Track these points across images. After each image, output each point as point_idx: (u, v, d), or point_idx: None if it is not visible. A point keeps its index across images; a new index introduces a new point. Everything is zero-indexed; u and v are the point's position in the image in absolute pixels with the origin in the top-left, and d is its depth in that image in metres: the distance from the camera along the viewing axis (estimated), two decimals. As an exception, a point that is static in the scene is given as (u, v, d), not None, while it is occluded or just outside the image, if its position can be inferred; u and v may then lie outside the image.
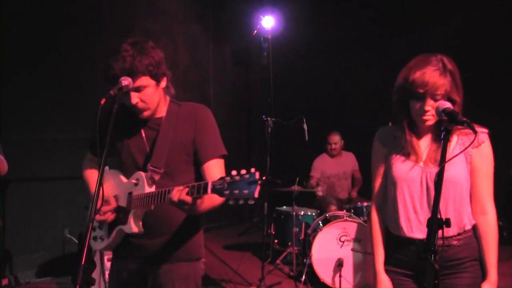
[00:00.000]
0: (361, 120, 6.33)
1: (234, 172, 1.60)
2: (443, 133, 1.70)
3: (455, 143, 1.91)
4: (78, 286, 1.51)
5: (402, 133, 1.97)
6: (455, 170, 1.86)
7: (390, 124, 4.76)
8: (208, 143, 2.08)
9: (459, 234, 1.89)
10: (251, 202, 1.55)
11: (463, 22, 5.82)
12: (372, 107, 6.34)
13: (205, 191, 1.67)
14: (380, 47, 6.44)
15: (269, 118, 4.94)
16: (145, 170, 2.06)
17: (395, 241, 1.98)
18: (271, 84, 5.92)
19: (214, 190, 1.63)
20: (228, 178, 1.60)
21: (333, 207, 5.19)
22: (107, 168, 2.29)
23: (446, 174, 1.80)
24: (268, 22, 5.93)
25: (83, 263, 1.54)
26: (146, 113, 2.04)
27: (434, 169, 1.86)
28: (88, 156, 2.34)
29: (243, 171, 1.59)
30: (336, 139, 5.72)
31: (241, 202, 1.57)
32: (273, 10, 6.07)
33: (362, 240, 4.38)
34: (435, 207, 1.58)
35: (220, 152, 2.09)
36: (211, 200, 1.91)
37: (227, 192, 1.59)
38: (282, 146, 6.46)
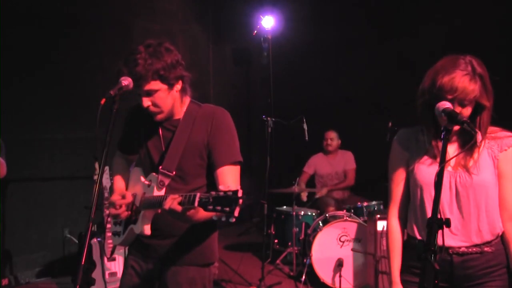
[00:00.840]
0: (361, 120, 6.34)
1: (221, 187, 1.60)
2: (443, 133, 1.68)
3: (483, 147, 1.85)
4: (78, 286, 1.51)
5: (426, 136, 1.89)
6: (486, 174, 1.82)
7: (390, 124, 4.77)
8: (221, 148, 2.03)
9: (491, 241, 1.83)
10: (232, 220, 1.53)
11: (463, 22, 5.82)
12: (371, 107, 6.35)
13: (193, 203, 1.66)
14: (380, 47, 6.44)
15: (269, 118, 4.94)
16: (158, 172, 2.06)
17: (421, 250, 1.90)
18: (271, 84, 5.92)
19: (200, 203, 1.62)
20: (213, 193, 1.58)
21: (332, 208, 5.19)
22: (125, 163, 2.36)
23: (476, 179, 1.80)
24: (268, 22, 5.93)
25: (83, 263, 1.54)
26: (159, 116, 2.03)
27: (464, 174, 1.82)
28: (117, 153, 2.39)
29: (228, 187, 1.58)
30: (332, 135, 5.73)
31: (223, 219, 1.55)
32: (273, 10, 6.07)
33: (362, 240, 4.38)
34: (435, 207, 1.56)
35: (235, 158, 2.03)
36: (204, 212, 1.90)
37: (210, 207, 1.57)
38: (282, 146, 6.46)
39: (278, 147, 6.00)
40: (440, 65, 1.80)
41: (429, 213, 1.74)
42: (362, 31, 6.59)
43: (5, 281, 4.60)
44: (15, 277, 4.71)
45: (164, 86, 1.97)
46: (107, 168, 3.54)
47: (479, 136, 1.63)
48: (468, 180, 1.81)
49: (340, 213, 4.79)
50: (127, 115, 2.24)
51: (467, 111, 1.77)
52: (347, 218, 4.49)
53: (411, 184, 1.93)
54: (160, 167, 2.04)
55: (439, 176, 1.61)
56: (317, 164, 5.78)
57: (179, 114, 2.10)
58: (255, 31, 5.93)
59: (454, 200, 1.83)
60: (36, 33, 4.78)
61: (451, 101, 1.74)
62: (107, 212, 2.13)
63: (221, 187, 1.59)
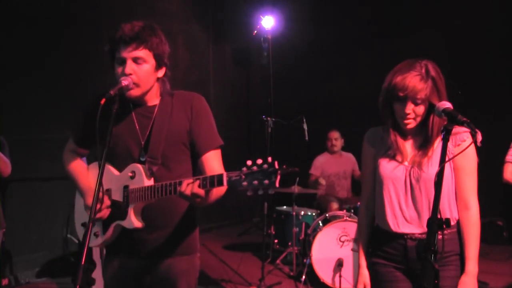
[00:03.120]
0: (361, 120, 6.29)
1: (249, 163, 1.60)
2: (443, 133, 1.71)
3: (438, 143, 2.00)
4: (78, 286, 1.51)
5: (388, 134, 2.06)
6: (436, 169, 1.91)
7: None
8: (205, 134, 2.04)
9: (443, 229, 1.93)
10: (272, 191, 1.57)
11: (463, 22, 5.83)
12: (371, 107, 6.33)
13: (221, 183, 1.67)
14: (380, 47, 6.44)
15: (269, 118, 4.94)
16: (139, 162, 2.00)
17: (384, 236, 2.08)
18: (271, 84, 5.92)
19: (230, 182, 1.63)
20: (245, 169, 1.60)
21: (334, 206, 5.19)
22: (84, 160, 2.26)
23: (427, 174, 1.95)
24: (268, 22, 5.93)
25: (83, 263, 1.54)
26: (132, 92, 1.93)
27: (417, 169, 1.99)
28: (69, 146, 2.26)
29: (260, 161, 1.60)
30: (336, 135, 5.72)
31: (260, 192, 1.58)
32: (273, 10, 6.08)
33: (362, 240, 4.38)
34: (435, 207, 1.59)
35: (218, 142, 2.07)
36: (219, 191, 1.90)
37: (245, 183, 1.59)
38: (282, 146, 6.46)
39: (278, 147, 6.00)
40: (398, 68, 1.98)
41: (386, 205, 2.04)
42: (362, 31, 6.60)
43: (5, 281, 4.60)
44: (15, 277, 4.71)
45: (153, 61, 1.96)
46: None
47: (479, 136, 1.64)
48: (420, 175, 1.98)
49: (340, 213, 4.79)
50: (88, 107, 2.10)
51: (420, 109, 1.93)
52: (347, 218, 4.49)
53: (376, 179, 2.12)
54: (147, 156, 1.99)
55: (439, 176, 1.63)
56: (324, 164, 5.75)
57: (155, 100, 2.06)
58: (255, 31, 5.94)
59: (409, 193, 2.01)
60: (36, 33, 4.78)
61: (403, 98, 1.92)
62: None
63: (248, 162, 1.61)
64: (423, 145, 2.00)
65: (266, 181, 1.56)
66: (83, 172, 2.20)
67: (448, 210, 2.00)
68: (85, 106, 2.14)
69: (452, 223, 1.97)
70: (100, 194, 1.93)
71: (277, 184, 1.55)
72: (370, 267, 2.14)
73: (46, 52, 4.85)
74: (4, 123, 4.32)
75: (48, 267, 4.96)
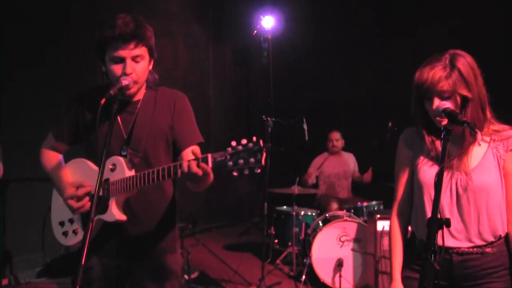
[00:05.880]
0: (361, 120, 6.34)
1: (234, 143, 1.57)
2: (443, 133, 1.67)
3: (487, 147, 1.82)
4: (78, 286, 1.51)
5: (423, 136, 1.88)
6: (487, 177, 1.79)
7: (390, 124, 4.76)
8: (187, 131, 2.05)
9: (493, 242, 1.81)
10: (258, 170, 1.54)
11: (463, 22, 5.82)
12: (371, 108, 6.35)
13: (206, 164, 1.64)
14: (380, 47, 6.44)
15: (269, 118, 4.93)
16: (120, 156, 1.99)
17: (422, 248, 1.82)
18: (271, 84, 5.92)
19: (215, 163, 1.61)
20: (229, 149, 1.57)
21: (334, 206, 5.18)
22: (61, 157, 2.24)
23: (477, 181, 1.77)
24: (268, 22, 5.93)
25: (83, 263, 1.54)
26: (133, 89, 1.94)
27: (464, 177, 1.80)
28: (48, 142, 2.24)
29: (244, 141, 1.56)
30: (337, 136, 5.72)
31: (246, 172, 1.55)
32: (273, 10, 6.07)
33: (362, 240, 4.38)
34: (435, 207, 1.56)
35: (198, 139, 2.07)
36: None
37: (230, 163, 1.56)
38: (282, 146, 6.46)
39: (278, 147, 5.99)
40: (423, 63, 1.80)
41: (428, 214, 1.77)
42: (362, 31, 6.59)
43: (5, 281, 4.60)
44: (15, 277, 4.71)
45: (148, 57, 1.96)
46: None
47: (479, 136, 1.62)
48: (468, 183, 1.79)
49: (340, 213, 4.79)
50: (69, 102, 2.11)
51: (449, 104, 1.73)
52: (347, 218, 4.49)
53: (414, 184, 1.93)
54: (128, 148, 1.98)
55: (439, 176, 1.60)
56: (324, 164, 5.75)
57: (138, 96, 2.05)
58: (255, 31, 5.93)
59: (454, 203, 1.81)
60: (36, 33, 4.78)
61: (430, 94, 1.75)
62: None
63: (232, 143, 1.57)
64: (467, 148, 1.80)
65: (252, 159, 1.52)
66: (60, 166, 2.20)
67: (500, 222, 1.81)
68: (66, 102, 2.14)
69: (502, 234, 1.82)
70: (82, 190, 1.96)
71: (263, 162, 1.52)
72: (403, 281, 1.90)
73: (46, 51, 4.84)
74: (3, 123, 4.32)
75: (48, 267, 4.95)
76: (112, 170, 1.95)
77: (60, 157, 2.25)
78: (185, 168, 1.69)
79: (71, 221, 2.09)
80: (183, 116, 2.06)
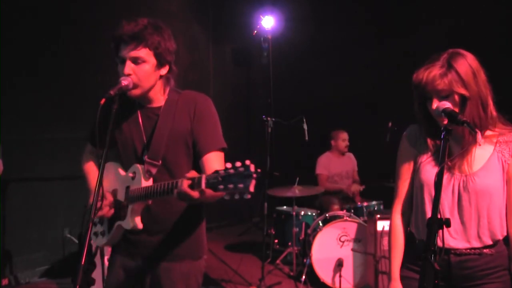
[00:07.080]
0: (361, 120, 6.34)
1: (228, 165, 1.52)
2: (443, 133, 1.66)
3: (493, 150, 1.81)
4: (78, 286, 1.51)
5: (423, 134, 1.88)
6: (491, 180, 1.78)
7: (390, 124, 4.74)
8: (206, 135, 1.99)
9: (491, 245, 1.81)
10: (247, 196, 1.47)
11: (463, 22, 5.82)
12: (371, 107, 6.35)
13: (199, 186, 1.60)
14: (380, 47, 6.44)
15: (269, 118, 4.93)
16: (142, 162, 1.99)
17: (421, 248, 1.79)
18: (271, 84, 5.92)
19: (208, 185, 1.56)
20: (222, 172, 1.52)
21: (336, 206, 5.18)
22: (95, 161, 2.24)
23: (480, 184, 1.76)
24: (268, 22, 5.93)
25: (83, 263, 1.54)
26: (133, 92, 1.92)
27: (468, 178, 1.78)
28: (87, 148, 2.29)
29: (238, 164, 1.51)
30: (345, 136, 5.68)
31: (236, 197, 1.49)
32: (273, 10, 6.07)
33: (362, 240, 4.38)
34: (435, 207, 1.55)
35: (220, 144, 2.00)
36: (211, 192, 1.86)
37: (221, 186, 1.51)
38: (282, 146, 6.46)
39: (278, 147, 6.00)
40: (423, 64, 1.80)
41: (428, 213, 1.78)
42: (362, 31, 6.60)
43: (5, 281, 4.60)
44: (15, 277, 4.71)
45: (154, 61, 1.93)
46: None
47: (479, 136, 1.62)
48: (471, 185, 1.78)
49: (340, 213, 4.79)
50: (100, 106, 2.13)
51: (449, 104, 1.71)
52: (347, 218, 4.49)
53: (414, 182, 1.91)
54: (146, 157, 1.98)
55: (439, 176, 1.59)
56: (329, 163, 5.73)
57: (160, 101, 2.03)
58: (255, 31, 5.94)
59: (455, 204, 1.80)
60: (36, 33, 4.78)
61: (428, 94, 1.75)
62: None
63: (227, 165, 1.52)
64: (467, 148, 1.78)
65: (241, 185, 1.47)
66: (94, 172, 2.22)
67: (499, 226, 1.80)
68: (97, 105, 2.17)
69: (500, 237, 1.81)
70: (101, 192, 1.96)
71: (251, 189, 1.46)
72: (402, 281, 1.90)
73: (46, 52, 4.84)
74: (3, 123, 4.33)
75: (48, 267, 4.95)
76: (133, 178, 1.98)
77: (93, 161, 2.27)
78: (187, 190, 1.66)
79: (101, 222, 2.14)
80: (204, 120, 2.00)
